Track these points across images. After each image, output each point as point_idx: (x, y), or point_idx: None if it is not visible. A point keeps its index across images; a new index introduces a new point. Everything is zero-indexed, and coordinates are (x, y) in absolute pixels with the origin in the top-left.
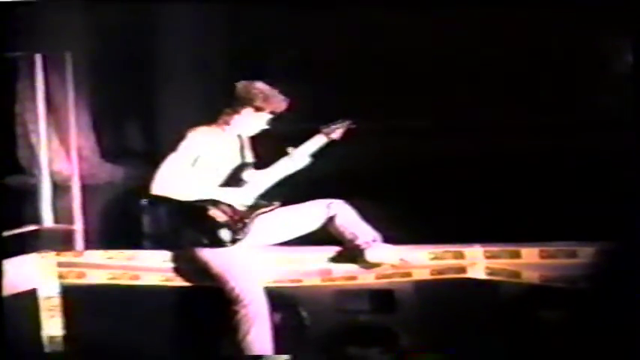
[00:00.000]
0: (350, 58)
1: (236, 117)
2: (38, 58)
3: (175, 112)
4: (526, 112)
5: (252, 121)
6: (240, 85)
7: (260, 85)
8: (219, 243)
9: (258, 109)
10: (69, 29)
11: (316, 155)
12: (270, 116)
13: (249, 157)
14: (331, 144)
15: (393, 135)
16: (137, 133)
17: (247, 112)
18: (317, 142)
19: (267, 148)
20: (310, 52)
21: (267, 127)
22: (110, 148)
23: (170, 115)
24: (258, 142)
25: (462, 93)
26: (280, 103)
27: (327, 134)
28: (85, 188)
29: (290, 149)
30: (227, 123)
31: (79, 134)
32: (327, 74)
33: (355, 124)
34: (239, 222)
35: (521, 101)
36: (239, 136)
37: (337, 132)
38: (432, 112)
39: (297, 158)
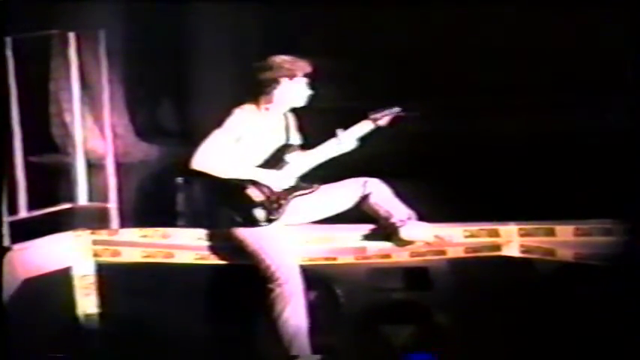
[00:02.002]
0: (394, 39)
1: (276, 91)
2: (72, 37)
3: (211, 90)
4: (563, 91)
5: (293, 89)
6: (264, 62)
7: (279, 55)
8: (253, 222)
9: (291, 75)
10: (102, 7)
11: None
12: (306, 80)
13: (295, 138)
14: None
15: (428, 114)
16: (172, 112)
17: (285, 82)
18: (364, 127)
19: (314, 128)
20: (353, 29)
21: (310, 92)
22: (145, 126)
23: (205, 94)
24: (304, 122)
25: (499, 74)
26: (306, 64)
27: (374, 120)
28: (119, 166)
29: (339, 131)
30: (270, 101)
31: (113, 112)
32: (370, 55)
33: (404, 112)
34: (275, 202)
35: (560, 80)
36: (285, 116)
37: (385, 119)
38: (466, 92)
39: (343, 142)
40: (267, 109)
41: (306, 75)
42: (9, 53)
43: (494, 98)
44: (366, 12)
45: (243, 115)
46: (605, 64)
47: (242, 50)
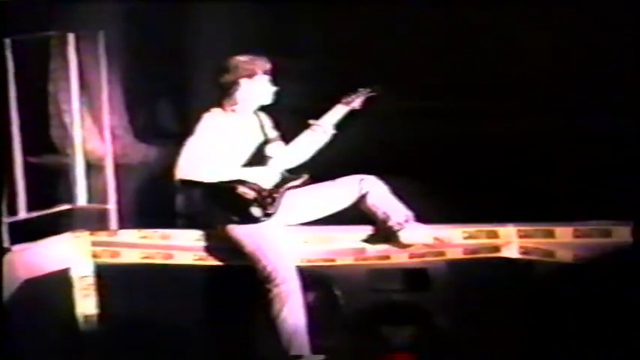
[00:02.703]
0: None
1: (238, 93)
2: (71, 38)
3: (209, 92)
4: (561, 92)
5: (255, 88)
6: (222, 65)
7: (237, 57)
8: (251, 220)
9: (250, 74)
10: (101, 8)
11: (350, 131)
12: (267, 78)
13: (272, 134)
14: (367, 120)
15: (427, 113)
16: (170, 113)
17: (244, 82)
18: (338, 112)
19: (291, 126)
20: (336, 30)
21: (274, 89)
22: (144, 127)
23: (204, 95)
24: (281, 121)
25: (498, 75)
26: (264, 62)
27: (347, 104)
28: (118, 167)
29: (312, 121)
30: (234, 103)
31: (112, 114)
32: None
33: (374, 92)
34: (268, 197)
35: (561, 80)
36: (256, 115)
37: (357, 101)
38: (468, 92)
39: (321, 130)
40: (233, 110)
41: (265, 72)
42: (8, 54)
43: (493, 99)
44: (354, 12)
45: (212, 118)
46: (605, 64)
47: (242, 51)
